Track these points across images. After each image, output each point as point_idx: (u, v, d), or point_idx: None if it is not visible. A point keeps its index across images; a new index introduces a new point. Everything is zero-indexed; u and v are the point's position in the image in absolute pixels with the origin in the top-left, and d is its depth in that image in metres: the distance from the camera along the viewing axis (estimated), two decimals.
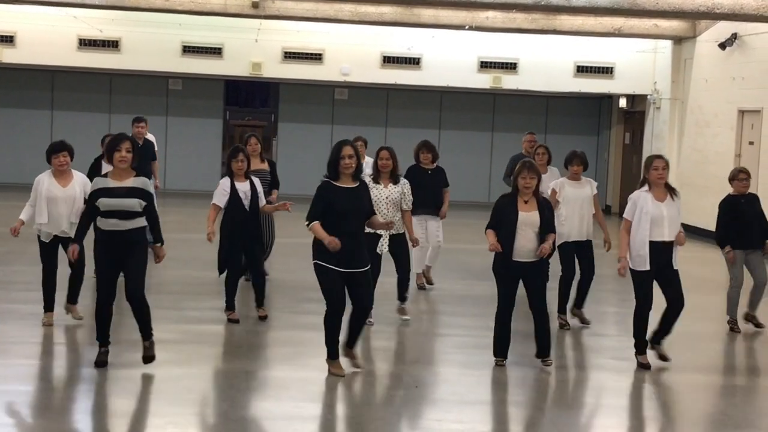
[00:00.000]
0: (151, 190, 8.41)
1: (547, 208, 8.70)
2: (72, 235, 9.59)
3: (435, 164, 12.50)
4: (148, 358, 8.31)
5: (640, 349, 9.06)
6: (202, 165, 24.37)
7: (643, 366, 8.96)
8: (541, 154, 12.38)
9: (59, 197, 9.58)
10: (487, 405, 7.87)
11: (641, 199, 8.91)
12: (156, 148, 15.53)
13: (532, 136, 14.29)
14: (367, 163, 14.26)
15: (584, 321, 10.74)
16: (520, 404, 8.07)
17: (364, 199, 8.32)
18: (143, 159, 14.30)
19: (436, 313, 11.57)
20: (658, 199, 8.88)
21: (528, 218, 8.62)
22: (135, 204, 8.15)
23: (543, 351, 8.77)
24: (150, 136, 16.72)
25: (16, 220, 9.67)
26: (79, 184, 9.68)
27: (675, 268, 8.88)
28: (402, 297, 10.64)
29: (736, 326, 10.88)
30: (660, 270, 8.87)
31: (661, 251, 8.81)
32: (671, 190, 8.92)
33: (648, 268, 8.83)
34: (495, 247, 8.64)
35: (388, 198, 10.31)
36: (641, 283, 8.91)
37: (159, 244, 8.35)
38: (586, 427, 7.55)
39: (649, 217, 8.80)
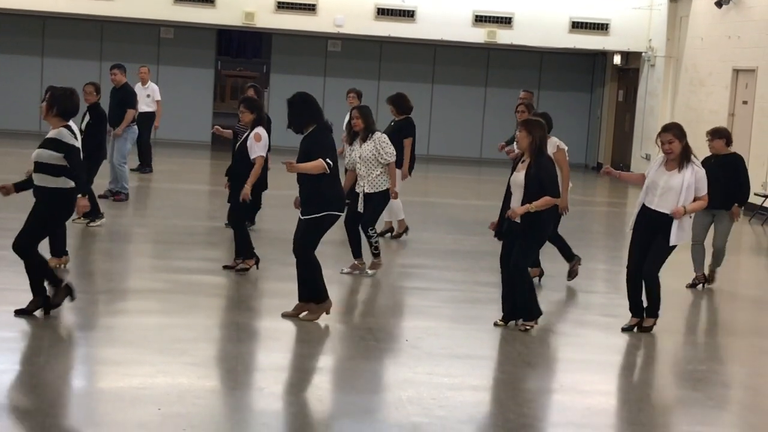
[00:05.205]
0: (70, 140, 7.99)
1: (535, 168, 8.30)
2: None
3: (403, 116, 12.29)
4: (21, 311, 8.06)
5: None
6: (193, 115, 24.19)
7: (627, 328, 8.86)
8: (520, 112, 12.19)
9: None
10: (476, 359, 7.88)
11: (656, 161, 8.71)
12: (135, 95, 15.21)
13: (526, 93, 14.14)
14: None
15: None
16: (509, 359, 8.09)
17: (300, 148, 8.40)
18: (118, 105, 14.38)
19: (425, 267, 11.55)
20: (667, 167, 8.57)
21: (515, 178, 8.48)
22: (42, 155, 8.01)
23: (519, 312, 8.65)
24: (141, 86, 16.80)
25: None
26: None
27: (671, 244, 8.49)
28: (360, 251, 10.43)
29: (695, 281, 10.79)
30: (651, 238, 8.61)
31: (649, 218, 8.58)
32: (686, 162, 8.47)
33: (629, 229, 8.75)
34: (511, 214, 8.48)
35: (361, 156, 10.38)
36: (630, 242, 8.82)
37: (80, 195, 8.03)
38: (574, 383, 7.57)
39: (649, 181, 8.64)
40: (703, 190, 8.57)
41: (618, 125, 24.40)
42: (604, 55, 24.39)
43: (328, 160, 8.20)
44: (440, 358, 7.79)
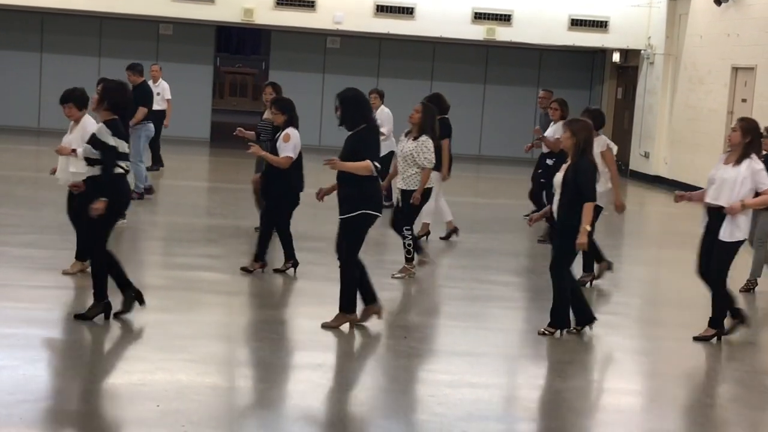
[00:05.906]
0: (105, 138, 7.93)
1: (573, 170, 8.13)
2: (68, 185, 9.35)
3: (439, 116, 12.10)
4: (83, 316, 7.95)
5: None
6: (191, 112, 24.15)
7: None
8: (552, 110, 12.04)
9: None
10: (475, 356, 7.88)
11: (720, 158, 8.52)
12: (152, 94, 15.19)
13: (545, 92, 14.07)
14: (384, 113, 14.23)
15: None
16: (508, 356, 8.09)
17: (345, 146, 8.17)
18: (135, 104, 14.32)
19: (425, 265, 11.55)
20: (726, 161, 8.41)
21: (556, 179, 8.33)
22: (85, 149, 8.07)
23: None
24: (152, 84, 16.79)
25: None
26: (77, 131, 9.21)
27: (720, 238, 8.28)
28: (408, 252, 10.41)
29: (749, 285, 10.55)
30: (712, 236, 8.40)
31: (710, 215, 8.41)
32: (745, 155, 8.27)
33: (702, 229, 8.53)
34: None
35: (402, 151, 10.28)
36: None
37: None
38: (573, 380, 7.58)
39: (709, 176, 8.46)
40: (764, 185, 8.31)
41: (617, 123, 24.39)
42: (603, 53, 24.39)
43: (376, 163, 8.05)
44: (439, 355, 7.79)
